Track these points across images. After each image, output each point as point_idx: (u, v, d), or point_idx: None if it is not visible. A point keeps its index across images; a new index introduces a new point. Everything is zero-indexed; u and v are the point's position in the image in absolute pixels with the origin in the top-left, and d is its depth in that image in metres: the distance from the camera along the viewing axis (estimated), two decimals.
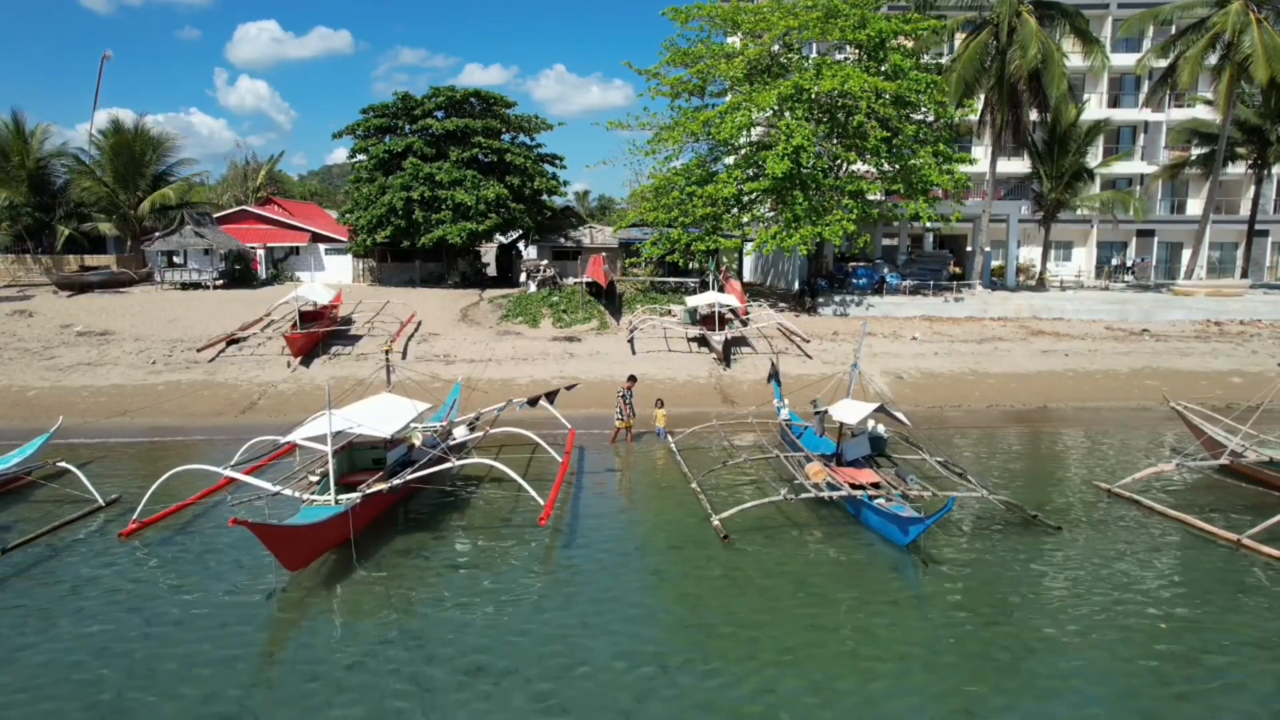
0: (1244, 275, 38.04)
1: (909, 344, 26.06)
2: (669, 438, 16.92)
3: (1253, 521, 11.44)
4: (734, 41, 31.41)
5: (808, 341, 25.61)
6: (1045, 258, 38.86)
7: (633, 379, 18.11)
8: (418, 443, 14.14)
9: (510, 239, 41.89)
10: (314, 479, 12.17)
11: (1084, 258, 45.25)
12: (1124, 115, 44.61)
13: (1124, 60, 41.01)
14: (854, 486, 12.23)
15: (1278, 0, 31.02)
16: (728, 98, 30.52)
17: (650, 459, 16.14)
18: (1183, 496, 13.75)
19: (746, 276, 40.84)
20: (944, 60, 32.92)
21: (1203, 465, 14.35)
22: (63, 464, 13.69)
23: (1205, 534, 11.67)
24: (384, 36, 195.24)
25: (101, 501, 12.90)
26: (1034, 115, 33.25)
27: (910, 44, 30.27)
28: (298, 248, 41.14)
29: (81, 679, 8.00)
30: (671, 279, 35.70)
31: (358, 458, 13.56)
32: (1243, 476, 13.80)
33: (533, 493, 12.14)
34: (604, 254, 38.17)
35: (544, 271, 34.52)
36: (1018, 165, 41.28)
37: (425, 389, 18.21)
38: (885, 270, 32.82)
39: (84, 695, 7.74)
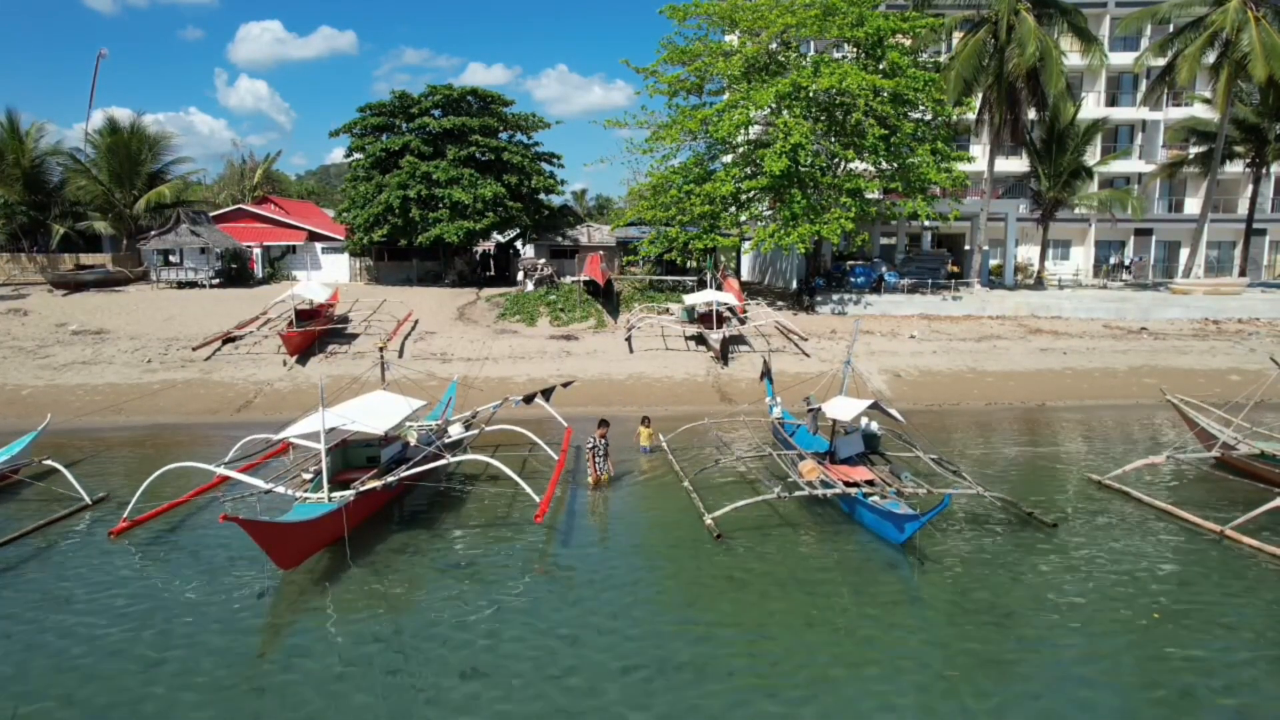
0: (1242, 273, 38.02)
1: (907, 342, 26.03)
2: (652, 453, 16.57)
3: (1240, 513, 11.52)
4: (732, 39, 31.35)
5: (805, 340, 25.58)
6: (1043, 256, 38.88)
7: (605, 424, 14.38)
8: (413, 440, 14.09)
9: (508, 238, 41.84)
10: (307, 476, 12.10)
11: (1082, 256, 45.27)
12: (1122, 114, 44.61)
13: (1122, 59, 41.01)
14: (848, 484, 12.17)
15: None
16: (725, 96, 30.47)
17: (644, 458, 16.05)
18: (1175, 489, 13.77)
19: (744, 275, 40.80)
20: (942, 58, 32.88)
21: (1193, 457, 14.37)
22: (49, 462, 13.59)
23: (1192, 525, 11.76)
24: (387, 37, 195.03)
25: (88, 500, 12.81)
26: (1032, 114, 33.27)
27: (908, 42, 30.23)
28: (294, 246, 41.10)
29: (69, 679, 7.93)
30: (669, 277, 35.68)
31: (352, 455, 13.49)
32: (1234, 469, 13.82)
33: (529, 490, 12.09)
34: (601, 252, 38.16)
35: (541, 270, 34.46)
36: (1016, 164, 41.33)
37: (421, 387, 18.14)
38: (883, 269, 32.77)
39: (71, 696, 7.67)
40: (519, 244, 42.98)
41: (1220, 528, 11.33)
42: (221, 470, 12.56)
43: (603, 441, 14.04)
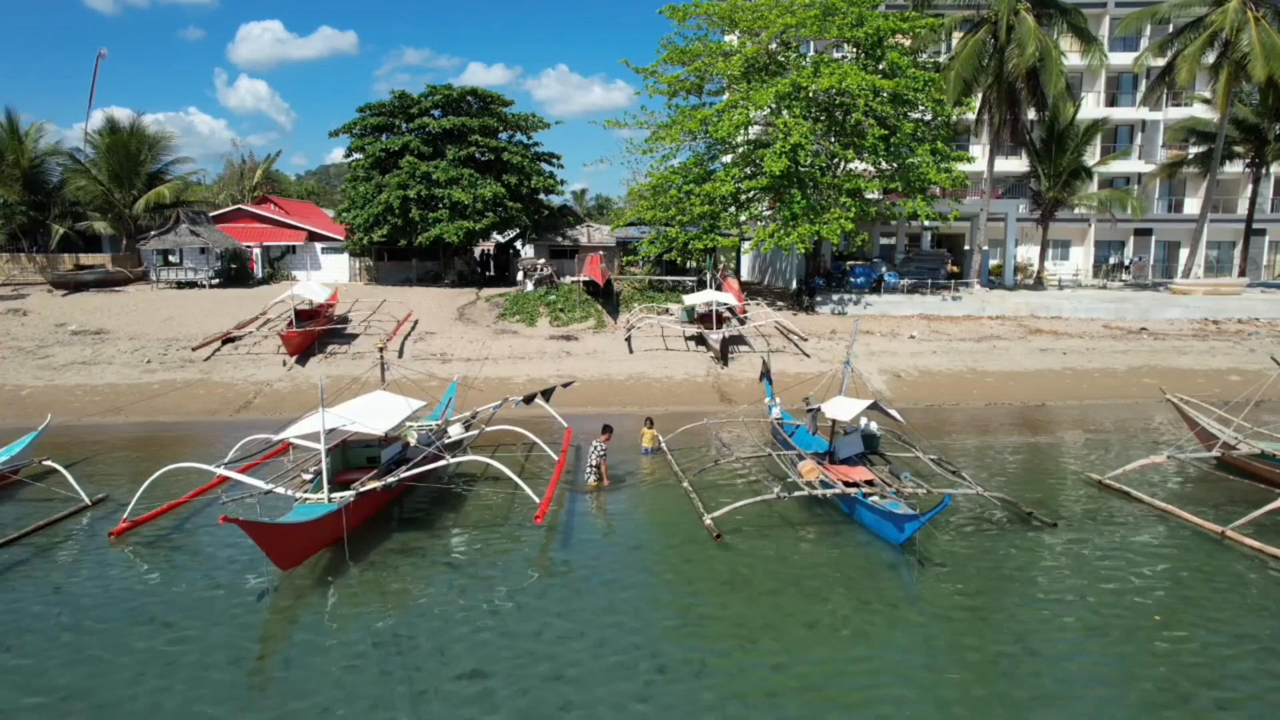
0: (1241, 274, 38.05)
1: (907, 342, 26.04)
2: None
3: (1241, 513, 11.52)
4: (731, 39, 31.35)
5: (805, 340, 25.59)
6: (1043, 256, 38.87)
7: (608, 430, 14.32)
8: (413, 441, 14.08)
9: (508, 238, 41.82)
10: (307, 477, 12.09)
11: (1081, 256, 45.28)
12: (1121, 114, 44.60)
13: (1122, 59, 41.01)
14: (847, 484, 12.17)
15: None
16: (725, 96, 30.47)
17: (644, 458, 16.05)
18: (1175, 489, 13.78)
19: (744, 275, 40.80)
20: (942, 58, 32.88)
21: (1194, 457, 14.37)
22: (49, 462, 13.59)
23: (1192, 526, 11.76)
24: (387, 37, 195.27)
25: (87, 501, 12.79)
26: (1032, 114, 33.25)
27: (908, 42, 30.24)
28: (294, 246, 41.10)
29: (68, 680, 7.92)
30: (669, 277, 35.68)
31: (352, 456, 13.49)
32: (1234, 469, 13.81)
33: (529, 490, 12.09)
34: (601, 252, 38.14)
35: (541, 270, 34.45)
36: (1015, 164, 41.33)
37: (421, 387, 18.13)
38: (883, 269, 32.78)
39: (71, 697, 7.67)
40: (519, 244, 42.96)
41: (1221, 528, 11.33)
42: (221, 470, 12.54)
43: (604, 447, 14.03)
